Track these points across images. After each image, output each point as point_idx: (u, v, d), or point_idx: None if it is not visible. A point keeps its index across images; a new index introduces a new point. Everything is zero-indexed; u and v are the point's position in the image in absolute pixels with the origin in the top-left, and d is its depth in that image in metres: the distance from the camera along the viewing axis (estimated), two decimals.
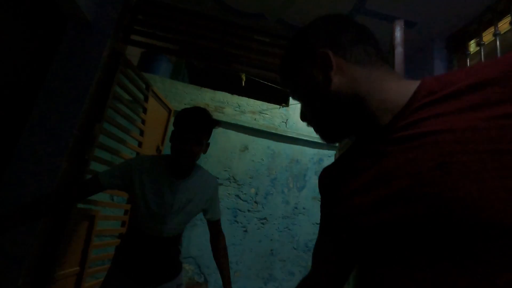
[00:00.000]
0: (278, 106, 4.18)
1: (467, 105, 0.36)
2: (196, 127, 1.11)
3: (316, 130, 0.54)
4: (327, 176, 0.56)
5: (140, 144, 2.07)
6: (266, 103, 4.17)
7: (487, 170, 0.32)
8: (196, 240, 3.60)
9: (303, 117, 0.57)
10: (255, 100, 4.16)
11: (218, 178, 3.82)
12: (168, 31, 1.90)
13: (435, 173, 0.35)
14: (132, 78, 1.90)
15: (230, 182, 3.81)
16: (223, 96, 4.07)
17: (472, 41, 1.63)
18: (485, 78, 0.36)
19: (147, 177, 1.16)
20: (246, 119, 3.99)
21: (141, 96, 2.09)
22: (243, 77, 3.94)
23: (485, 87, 0.36)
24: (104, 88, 1.65)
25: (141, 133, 2.07)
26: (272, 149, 4.00)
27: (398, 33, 1.29)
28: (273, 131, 3.99)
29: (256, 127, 3.95)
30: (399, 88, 0.46)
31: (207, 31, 1.93)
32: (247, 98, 4.15)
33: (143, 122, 2.08)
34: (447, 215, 0.33)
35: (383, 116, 0.45)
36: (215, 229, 1.37)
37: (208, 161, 3.85)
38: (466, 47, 1.63)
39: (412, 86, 0.45)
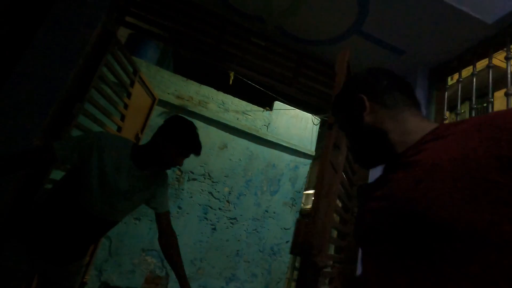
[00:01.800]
0: (262, 109, 4.21)
1: (446, 144, 0.49)
2: (198, 151, 1.24)
3: (354, 157, 0.71)
4: (360, 189, 0.72)
5: (119, 129, 1.99)
6: (251, 104, 4.19)
7: (444, 188, 0.44)
8: None
9: (348, 147, 0.70)
10: (240, 100, 4.16)
11: (193, 172, 3.77)
12: (166, 19, 1.86)
13: (413, 186, 0.47)
14: (121, 60, 1.83)
15: (204, 178, 3.77)
16: (208, 91, 4.03)
17: (452, 76, 1.76)
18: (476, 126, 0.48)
19: (108, 156, 1.12)
20: (229, 118, 3.98)
21: (127, 81, 2.02)
22: (232, 75, 3.93)
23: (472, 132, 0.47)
24: (91, 66, 1.58)
25: (122, 118, 2.00)
26: (250, 150, 4.02)
27: None
28: (254, 133, 4.01)
29: (238, 127, 3.95)
30: (417, 128, 0.59)
31: (206, 25, 1.91)
32: (232, 97, 4.14)
33: (126, 107, 2.01)
34: (415, 215, 0.45)
35: (400, 147, 0.59)
36: (164, 222, 1.30)
37: None
38: (445, 80, 1.76)
39: (430, 127, 0.58)
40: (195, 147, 1.22)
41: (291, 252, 1.17)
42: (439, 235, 0.42)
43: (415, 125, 0.60)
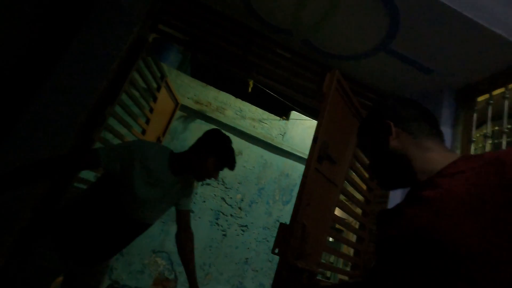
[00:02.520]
0: (278, 118, 4.23)
1: (460, 180, 0.54)
2: (234, 167, 1.29)
3: (376, 179, 0.75)
4: (381, 214, 0.75)
5: (144, 132, 2.04)
6: (267, 112, 4.21)
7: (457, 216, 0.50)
8: (173, 235, 3.50)
9: (369, 168, 0.78)
10: (257, 108, 4.19)
11: None
12: (194, 27, 1.91)
13: (432, 219, 0.53)
14: (151, 66, 1.88)
15: (218, 183, 3.79)
16: (226, 98, 4.08)
17: (481, 98, 1.73)
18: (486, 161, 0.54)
19: (149, 165, 1.16)
20: (245, 125, 4.01)
21: (155, 85, 2.08)
22: (251, 83, 3.97)
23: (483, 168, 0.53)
24: (123, 71, 1.64)
25: (147, 121, 2.05)
26: (265, 158, 4.02)
27: None
28: (269, 141, 4.02)
29: (254, 134, 3.98)
30: (439, 159, 0.63)
31: (234, 35, 1.95)
32: (249, 104, 4.18)
33: (151, 110, 2.06)
34: (431, 242, 0.51)
35: (422, 176, 0.63)
36: (184, 220, 1.36)
37: None
38: (474, 101, 1.73)
39: (451, 158, 0.62)
40: (233, 163, 1.27)
41: (272, 252, 1.28)
42: (453, 258, 0.48)
43: (437, 155, 0.64)
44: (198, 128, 3.86)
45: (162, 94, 2.15)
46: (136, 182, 1.13)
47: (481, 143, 2.38)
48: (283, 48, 2.04)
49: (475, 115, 1.68)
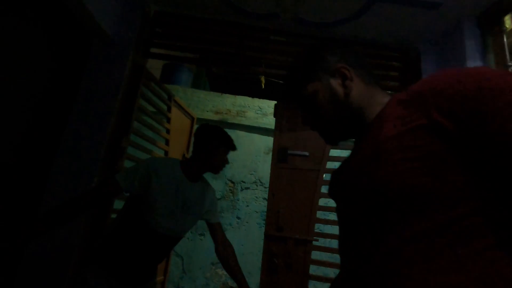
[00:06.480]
0: None
1: (396, 115, 0.51)
2: (234, 144, 1.36)
3: (321, 133, 0.66)
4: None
5: (166, 153, 2.12)
6: None
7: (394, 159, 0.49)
8: None
9: (306, 121, 0.67)
10: (276, 101, 4.13)
11: (244, 182, 3.82)
12: (186, 41, 1.94)
13: (370, 159, 0.51)
14: (155, 89, 1.95)
15: (256, 185, 3.80)
16: (244, 101, 4.09)
17: (508, 16, 1.49)
18: (410, 96, 0.50)
19: (165, 178, 1.21)
20: (268, 121, 3.97)
21: (164, 107, 2.15)
22: (263, 79, 3.92)
23: (408, 103, 0.50)
24: (129, 101, 1.72)
25: (167, 142, 2.13)
26: None
27: None
28: None
29: None
30: (381, 103, 0.59)
31: (224, 36, 1.94)
32: (268, 100, 4.14)
33: (168, 131, 2.13)
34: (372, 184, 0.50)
35: (368, 120, 0.60)
36: (219, 233, 1.39)
37: (233, 166, 3.86)
38: (501, 22, 1.50)
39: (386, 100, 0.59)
40: (231, 140, 1.34)
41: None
42: (391, 201, 0.46)
43: (379, 101, 0.60)
44: None
45: (174, 113, 2.22)
46: (155, 196, 1.18)
47: None
48: (276, 33, 1.98)
49: (505, 38, 1.44)
